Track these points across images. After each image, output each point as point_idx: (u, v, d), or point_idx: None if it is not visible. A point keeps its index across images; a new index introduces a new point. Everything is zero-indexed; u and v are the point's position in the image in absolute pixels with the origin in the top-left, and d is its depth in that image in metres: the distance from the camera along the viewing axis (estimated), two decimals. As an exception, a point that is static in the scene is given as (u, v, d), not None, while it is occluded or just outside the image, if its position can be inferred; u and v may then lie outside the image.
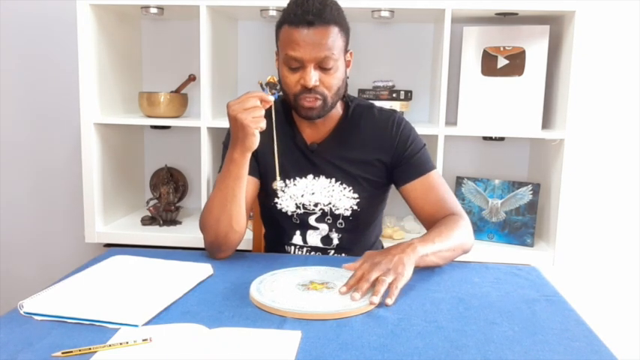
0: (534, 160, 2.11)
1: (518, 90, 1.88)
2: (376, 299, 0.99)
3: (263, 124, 1.18)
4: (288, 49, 1.24)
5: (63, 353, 0.81)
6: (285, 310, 0.95)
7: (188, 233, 1.93)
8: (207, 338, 0.86)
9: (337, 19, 1.25)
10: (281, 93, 1.94)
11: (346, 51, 1.31)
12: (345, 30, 1.28)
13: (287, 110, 1.41)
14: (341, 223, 1.39)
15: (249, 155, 1.21)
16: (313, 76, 1.24)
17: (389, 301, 1.01)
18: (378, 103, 1.46)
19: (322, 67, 1.25)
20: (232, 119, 1.17)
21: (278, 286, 1.05)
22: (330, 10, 1.23)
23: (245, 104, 1.15)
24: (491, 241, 1.96)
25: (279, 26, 1.28)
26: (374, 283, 1.03)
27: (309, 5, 1.21)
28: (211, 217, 1.26)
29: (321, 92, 1.26)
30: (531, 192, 1.91)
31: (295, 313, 0.94)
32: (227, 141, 1.40)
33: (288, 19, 1.24)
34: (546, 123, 1.93)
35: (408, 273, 1.07)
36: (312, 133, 1.39)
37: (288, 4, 1.27)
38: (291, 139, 1.39)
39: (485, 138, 2.05)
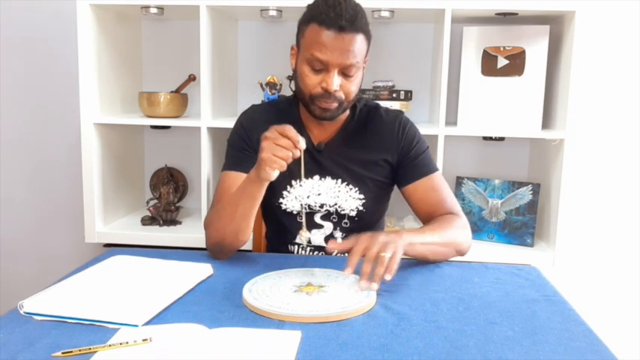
0: (534, 160, 2.11)
1: (518, 90, 1.88)
2: (376, 286, 1.02)
3: (282, 166, 1.10)
4: (314, 49, 1.22)
5: (63, 353, 0.81)
6: (282, 314, 0.95)
7: (188, 233, 1.93)
8: (207, 338, 0.86)
9: (365, 27, 1.24)
10: (281, 93, 1.95)
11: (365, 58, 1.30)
12: (369, 38, 1.27)
13: (293, 109, 1.40)
14: (346, 223, 1.39)
15: (265, 183, 1.17)
16: (336, 81, 1.23)
17: (388, 277, 1.03)
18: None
19: (345, 73, 1.24)
20: (260, 145, 1.12)
21: (273, 291, 1.04)
22: (361, 18, 1.22)
23: (277, 140, 1.09)
24: (492, 241, 1.96)
25: (305, 22, 1.25)
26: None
27: (341, 9, 1.19)
28: (218, 224, 1.25)
29: (339, 97, 1.26)
30: (531, 192, 1.91)
31: (294, 317, 0.94)
32: (232, 139, 1.40)
33: (319, 18, 1.21)
34: (546, 123, 1.93)
35: (401, 251, 1.09)
36: (319, 133, 1.38)
37: (317, 2, 1.24)
38: None
39: (485, 138, 2.05)
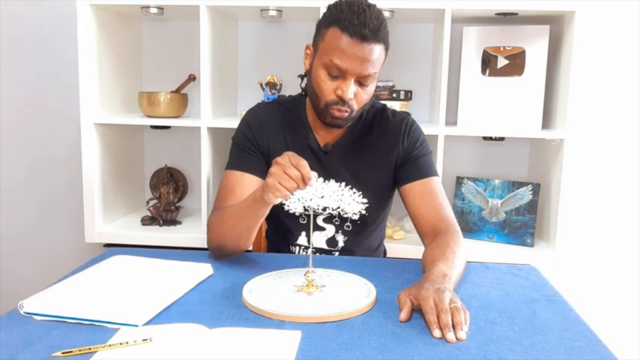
0: (534, 160, 2.11)
1: (518, 90, 1.88)
2: (464, 334, 0.90)
3: (286, 195, 1.07)
4: (334, 55, 1.19)
5: (63, 353, 0.81)
6: (282, 314, 0.95)
7: (188, 233, 1.93)
8: (207, 338, 0.86)
9: (386, 37, 1.22)
10: (281, 93, 1.95)
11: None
12: (388, 49, 1.25)
13: (301, 110, 1.39)
14: (348, 226, 1.38)
15: (269, 205, 1.15)
16: (351, 90, 1.22)
17: (465, 328, 0.91)
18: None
19: (361, 82, 1.23)
20: (270, 169, 1.10)
21: (273, 291, 1.04)
22: (384, 28, 1.20)
23: (287, 169, 1.04)
24: (491, 241, 1.96)
25: (326, 25, 1.22)
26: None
27: (366, 18, 1.17)
28: (220, 230, 1.25)
29: (351, 105, 1.24)
30: (531, 192, 1.91)
31: (294, 317, 0.94)
32: (237, 138, 1.39)
33: (342, 24, 1.18)
34: (546, 123, 1.94)
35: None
36: (325, 135, 1.37)
37: (340, 6, 1.21)
38: (304, 140, 1.37)
39: (485, 138, 2.05)
